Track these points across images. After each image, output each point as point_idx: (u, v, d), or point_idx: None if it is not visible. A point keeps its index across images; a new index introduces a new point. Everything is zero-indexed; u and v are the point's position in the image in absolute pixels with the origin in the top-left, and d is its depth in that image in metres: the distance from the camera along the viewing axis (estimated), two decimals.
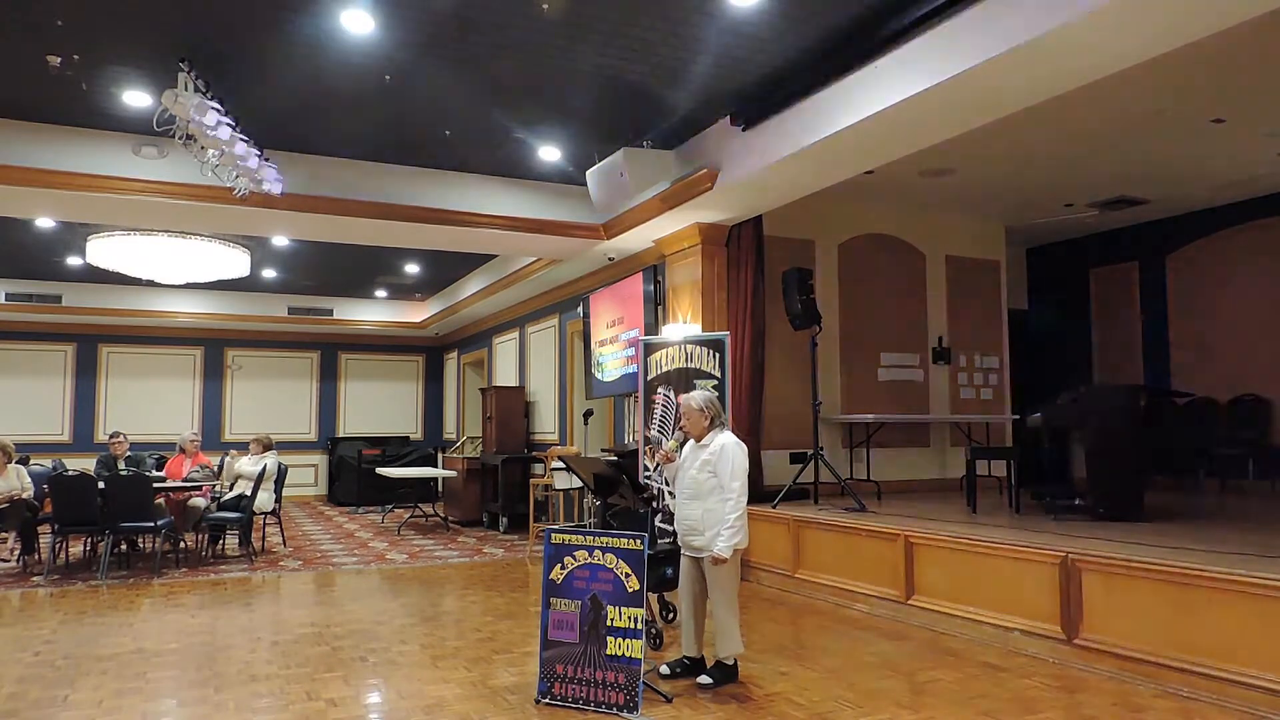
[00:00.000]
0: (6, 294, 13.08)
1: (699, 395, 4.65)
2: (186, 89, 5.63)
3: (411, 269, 12.63)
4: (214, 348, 15.69)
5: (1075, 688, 4.46)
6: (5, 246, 10.93)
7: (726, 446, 4.48)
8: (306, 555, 9.21)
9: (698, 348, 7.56)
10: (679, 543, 4.67)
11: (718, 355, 7.42)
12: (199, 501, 8.85)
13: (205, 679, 4.65)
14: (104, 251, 10.20)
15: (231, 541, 9.47)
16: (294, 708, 4.17)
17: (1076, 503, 6.60)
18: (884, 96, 5.36)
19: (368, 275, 13.25)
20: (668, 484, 4.75)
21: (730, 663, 4.51)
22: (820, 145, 6.04)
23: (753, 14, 5.17)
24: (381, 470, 12.59)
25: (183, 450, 9.46)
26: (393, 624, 5.96)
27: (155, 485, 8.31)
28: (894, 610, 6.03)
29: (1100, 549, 4.97)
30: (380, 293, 14.92)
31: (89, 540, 8.69)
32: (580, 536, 4.37)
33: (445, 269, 12.73)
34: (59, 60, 5.77)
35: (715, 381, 7.42)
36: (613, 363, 9.51)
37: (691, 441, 4.64)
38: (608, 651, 4.13)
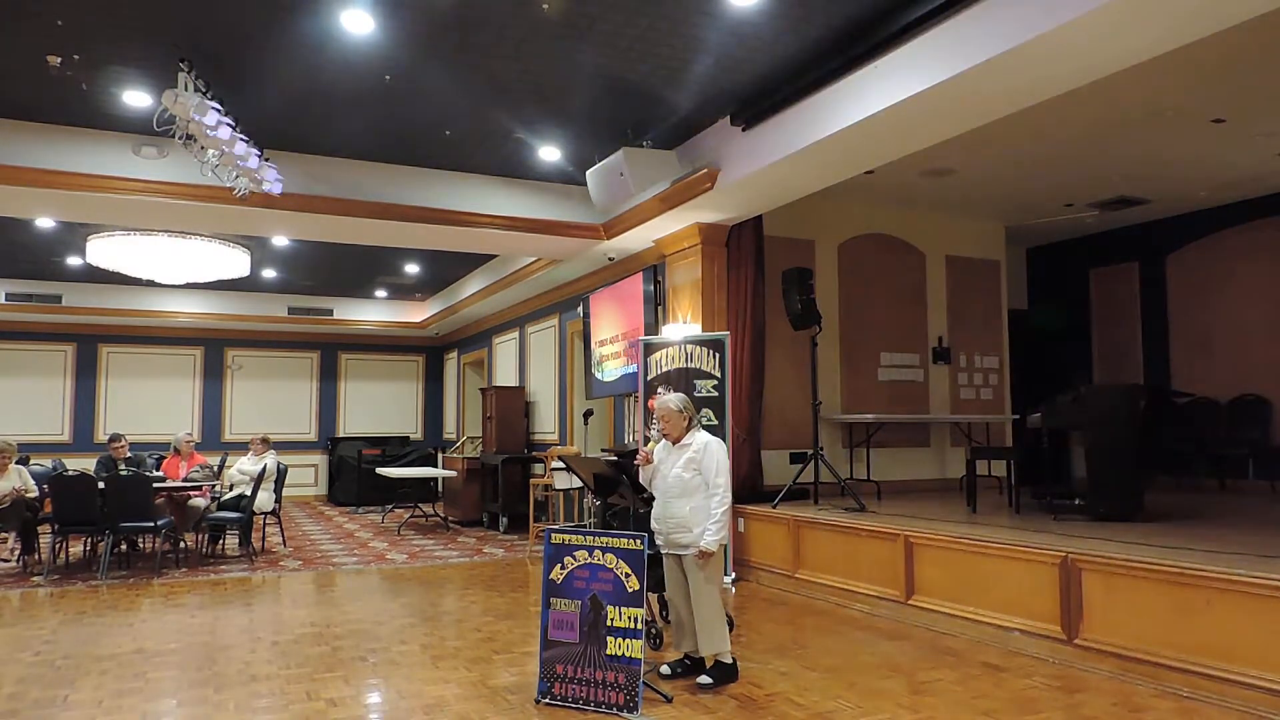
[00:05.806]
0: (6, 294, 13.08)
1: (675, 397, 4.68)
2: (186, 89, 5.63)
3: (411, 269, 12.62)
4: (214, 348, 15.69)
5: (1075, 688, 4.46)
6: (5, 246, 10.93)
7: (710, 444, 4.55)
8: (306, 555, 9.21)
9: (698, 348, 7.56)
10: (659, 543, 4.63)
11: (718, 355, 7.43)
12: (199, 501, 8.84)
13: (205, 679, 4.65)
14: (104, 251, 10.20)
15: (231, 541, 9.48)
16: (294, 708, 4.17)
17: (1076, 503, 6.58)
18: (884, 96, 5.36)
19: (368, 275, 13.26)
20: (647, 485, 4.72)
21: (730, 662, 4.52)
22: (820, 145, 6.04)
23: (753, 14, 5.17)
24: (381, 470, 12.59)
25: (176, 451, 9.29)
26: (393, 624, 5.96)
27: (155, 485, 8.30)
28: (894, 610, 6.03)
29: (1100, 549, 4.96)
30: (380, 293, 14.92)
31: (89, 540, 8.68)
32: (580, 536, 4.37)
33: (445, 269, 12.73)
34: (59, 60, 5.77)
35: (715, 381, 7.43)
36: (613, 362, 9.51)
37: (665, 442, 4.65)
38: (608, 651, 4.13)
